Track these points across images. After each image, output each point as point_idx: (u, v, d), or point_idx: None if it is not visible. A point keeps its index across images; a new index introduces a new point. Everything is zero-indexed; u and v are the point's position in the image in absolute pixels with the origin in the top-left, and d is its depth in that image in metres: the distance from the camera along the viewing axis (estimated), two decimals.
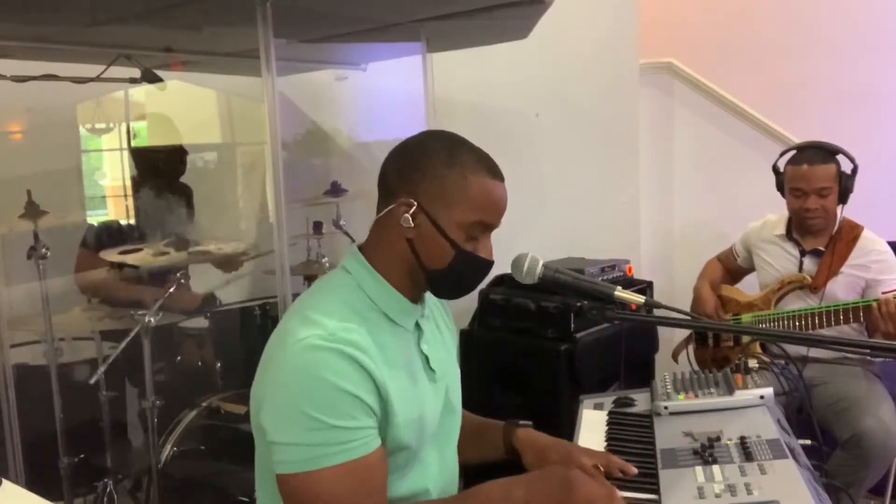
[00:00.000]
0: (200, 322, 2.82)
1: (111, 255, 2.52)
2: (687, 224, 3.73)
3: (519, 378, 2.74)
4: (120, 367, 2.58)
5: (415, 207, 1.19)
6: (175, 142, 3.29)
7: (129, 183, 3.27)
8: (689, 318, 1.49)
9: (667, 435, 1.44)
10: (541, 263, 1.30)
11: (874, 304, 2.27)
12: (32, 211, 2.32)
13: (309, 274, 3.00)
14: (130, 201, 3.18)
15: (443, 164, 1.19)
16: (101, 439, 2.60)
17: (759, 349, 2.45)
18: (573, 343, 2.64)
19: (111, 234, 2.91)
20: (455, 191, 1.19)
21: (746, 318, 2.58)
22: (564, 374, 2.61)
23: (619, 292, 1.26)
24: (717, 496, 1.18)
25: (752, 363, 1.71)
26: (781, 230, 2.60)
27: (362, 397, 1.11)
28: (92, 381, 2.42)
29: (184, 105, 3.51)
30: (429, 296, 1.36)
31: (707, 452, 1.32)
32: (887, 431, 2.23)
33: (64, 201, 3.12)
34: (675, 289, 3.49)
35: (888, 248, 2.47)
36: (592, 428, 1.56)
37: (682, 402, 1.53)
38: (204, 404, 2.54)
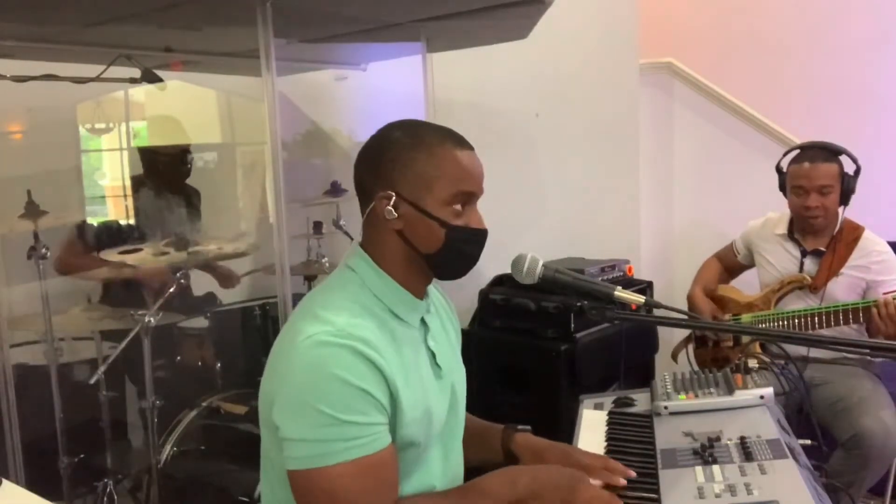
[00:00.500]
0: (200, 322, 2.82)
1: (111, 254, 2.52)
2: (687, 224, 3.73)
3: (519, 378, 2.74)
4: (120, 367, 2.58)
5: (395, 198, 1.19)
6: (175, 142, 3.29)
7: (128, 183, 3.27)
8: (689, 318, 1.49)
9: (667, 435, 1.44)
10: (541, 263, 1.30)
11: (874, 305, 2.27)
12: (32, 211, 2.32)
13: (309, 274, 3.00)
14: (130, 201, 3.18)
15: (408, 149, 1.20)
16: (101, 439, 2.60)
17: (758, 349, 2.45)
18: (573, 343, 2.64)
19: (111, 234, 2.91)
20: (428, 170, 1.19)
21: (746, 318, 2.58)
22: (564, 374, 2.61)
23: (619, 292, 1.26)
24: (717, 496, 1.18)
25: (752, 363, 1.71)
26: (783, 229, 2.60)
27: (373, 393, 1.11)
28: (92, 381, 2.42)
29: (184, 105, 3.50)
30: (433, 293, 1.36)
31: (707, 452, 1.32)
32: (887, 431, 2.23)
33: (64, 201, 3.12)
34: (675, 289, 3.49)
35: (889, 249, 2.47)
36: (592, 428, 1.56)
37: (682, 402, 1.53)
38: (204, 404, 2.54)
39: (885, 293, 2.33)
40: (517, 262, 1.31)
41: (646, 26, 3.62)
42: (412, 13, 2.41)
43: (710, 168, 3.67)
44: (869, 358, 2.48)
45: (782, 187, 2.59)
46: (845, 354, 2.45)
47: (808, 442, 1.49)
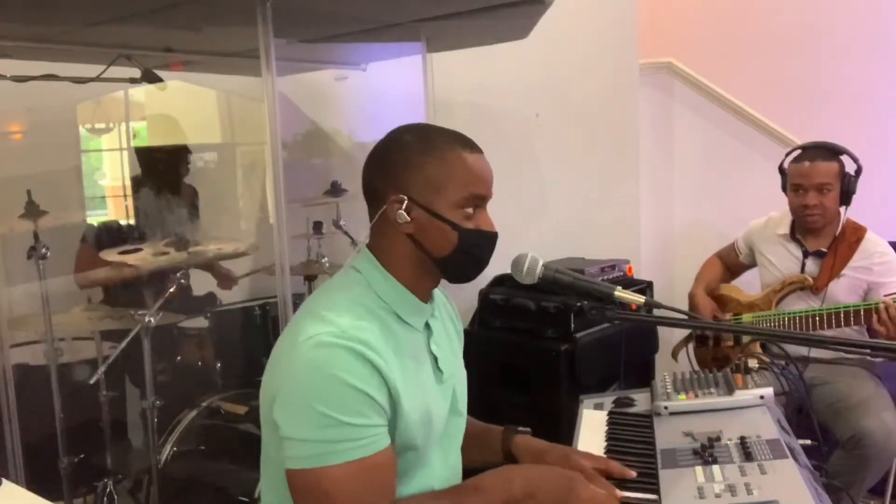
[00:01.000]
0: (200, 322, 2.82)
1: (111, 254, 2.52)
2: (687, 224, 3.73)
3: (519, 378, 2.74)
4: (120, 367, 2.58)
5: (406, 202, 1.20)
6: (175, 142, 3.29)
7: (128, 183, 3.27)
8: (689, 318, 1.49)
9: (667, 435, 1.44)
10: (541, 263, 1.30)
11: (874, 307, 2.27)
12: (32, 211, 2.31)
13: (309, 274, 3.00)
14: (130, 201, 3.18)
15: (420, 153, 1.21)
16: (101, 439, 2.60)
17: (759, 349, 2.45)
18: (573, 343, 2.64)
19: (111, 234, 2.91)
20: (439, 173, 1.20)
21: (747, 317, 2.58)
22: (564, 374, 2.62)
23: (619, 292, 1.26)
24: (717, 496, 1.18)
25: (753, 363, 1.70)
26: (785, 229, 2.60)
27: (373, 395, 1.11)
28: (92, 381, 2.42)
29: (184, 105, 3.51)
30: (438, 297, 1.36)
31: (707, 452, 1.32)
32: (887, 432, 2.23)
33: (64, 201, 3.12)
34: (675, 289, 3.49)
35: (891, 251, 2.47)
36: (592, 428, 1.56)
37: (682, 402, 1.53)
38: (204, 404, 2.54)
39: (886, 295, 2.33)
40: (517, 262, 1.31)
41: (646, 26, 3.62)
42: (412, 13, 2.41)
43: (710, 168, 3.67)
44: (869, 358, 2.48)
45: (784, 188, 2.59)
46: (846, 355, 2.45)
47: (808, 442, 1.49)
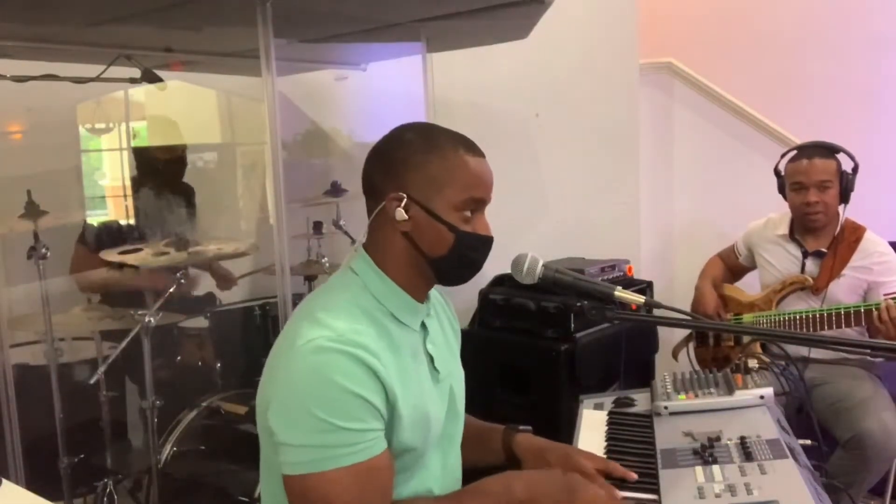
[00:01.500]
0: (200, 322, 2.82)
1: (111, 255, 2.52)
2: (687, 224, 3.73)
3: (519, 378, 2.74)
4: (120, 367, 2.58)
5: (405, 200, 1.19)
6: (175, 142, 3.29)
7: (128, 183, 3.27)
8: (689, 318, 1.49)
9: (667, 435, 1.44)
10: (541, 263, 1.30)
11: (875, 308, 2.27)
12: (32, 211, 2.32)
13: (309, 274, 3.00)
14: (130, 201, 3.18)
15: (422, 152, 1.20)
16: (101, 439, 2.60)
17: (759, 349, 2.45)
18: (573, 343, 2.64)
19: (111, 234, 2.91)
20: (440, 174, 1.19)
21: (747, 317, 2.58)
22: (564, 374, 2.61)
23: (619, 292, 1.26)
24: (717, 496, 1.18)
25: (753, 363, 1.70)
26: (784, 230, 2.60)
27: (370, 399, 1.11)
28: (92, 381, 2.42)
29: (184, 105, 3.51)
30: (434, 296, 1.36)
31: (707, 452, 1.32)
32: (888, 432, 2.23)
33: (64, 201, 3.12)
34: (675, 289, 3.49)
35: (891, 250, 2.47)
36: (592, 428, 1.56)
37: (682, 402, 1.53)
38: (204, 404, 2.54)
39: (885, 294, 2.33)
40: (517, 261, 1.31)
41: (646, 26, 3.62)
42: (412, 13, 2.41)
43: (710, 168, 3.67)
44: (869, 358, 2.48)
45: (781, 189, 2.59)
46: (846, 355, 2.45)
47: (808, 442, 1.49)
